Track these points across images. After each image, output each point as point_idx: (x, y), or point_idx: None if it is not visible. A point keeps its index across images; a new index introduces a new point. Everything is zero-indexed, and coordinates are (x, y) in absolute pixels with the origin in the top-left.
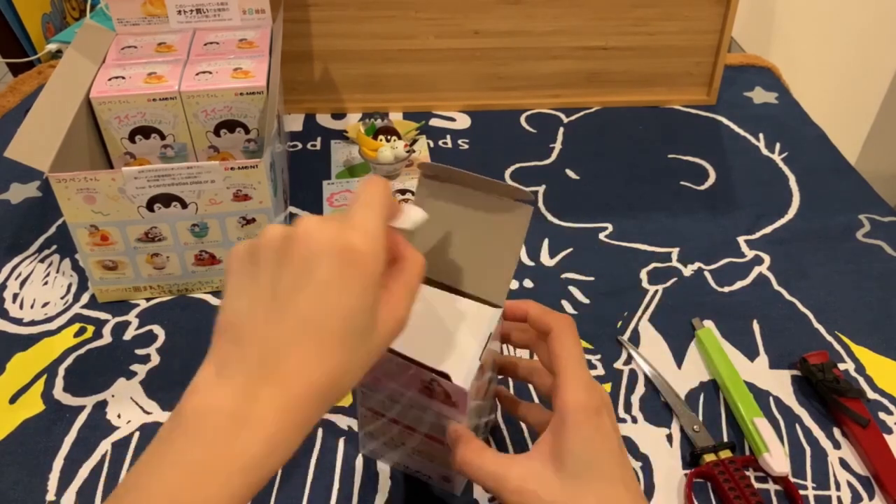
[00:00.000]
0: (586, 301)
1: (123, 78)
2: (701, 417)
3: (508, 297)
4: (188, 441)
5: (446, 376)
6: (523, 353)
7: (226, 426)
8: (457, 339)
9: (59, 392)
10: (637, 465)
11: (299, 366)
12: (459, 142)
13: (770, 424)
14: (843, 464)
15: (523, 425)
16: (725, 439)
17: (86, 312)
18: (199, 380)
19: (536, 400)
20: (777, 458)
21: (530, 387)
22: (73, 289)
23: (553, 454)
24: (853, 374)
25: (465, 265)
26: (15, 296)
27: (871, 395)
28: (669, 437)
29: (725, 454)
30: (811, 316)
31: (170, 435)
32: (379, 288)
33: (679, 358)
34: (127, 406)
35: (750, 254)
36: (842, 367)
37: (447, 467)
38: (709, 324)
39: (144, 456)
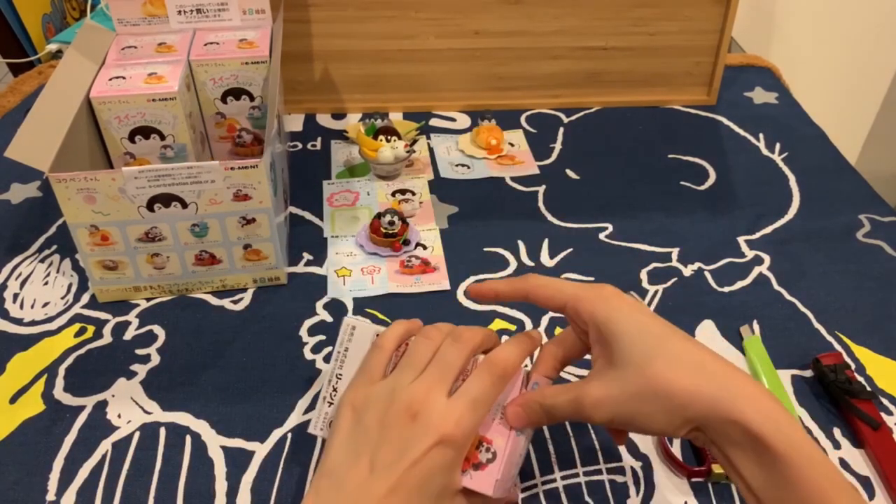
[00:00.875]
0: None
1: (124, 78)
2: None
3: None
4: None
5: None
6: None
7: None
8: None
9: (59, 392)
10: (637, 464)
11: None
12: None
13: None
14: (844, 464)
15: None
16: None
17: (86, 312)
18: None
19: None
20: None
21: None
22: (74, 289)
23: (608, 357)
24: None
25: None
26: (15, 296)
27: None
28: (670, 437)
29: None
30: (811, 316)
31: None
32: (458, 471)
33: None
34: (127, 406)
35: (750, 254)
36: None
37: None
38: (755, 331)
39: None
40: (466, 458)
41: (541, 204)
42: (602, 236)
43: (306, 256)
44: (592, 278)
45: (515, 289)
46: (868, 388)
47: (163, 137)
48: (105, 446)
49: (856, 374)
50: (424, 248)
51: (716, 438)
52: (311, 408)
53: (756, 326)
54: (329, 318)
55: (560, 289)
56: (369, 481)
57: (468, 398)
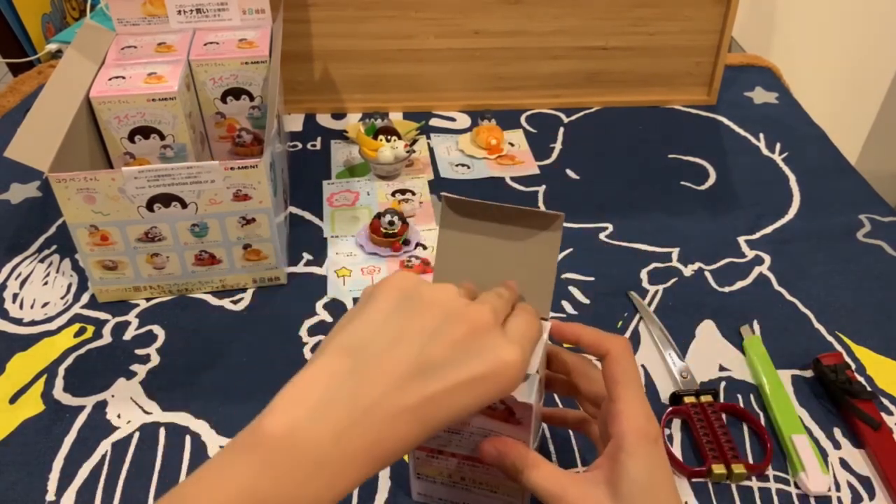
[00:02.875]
0: (586, 301)
1: (123, 78)
2: None
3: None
4: (258, 468)
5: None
6: None
7: (306, 470)
8: None
9: (59, 392)
10: None
11: (395, 441)
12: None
13: (810, 442)
14: (844, 464)
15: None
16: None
17: (86, 312)
18: (293, 397)
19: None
20: (814, 478)
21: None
22: (73, 289)
23: (609, 480)
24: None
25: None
26: (15, 296)
27: None
28: (670, 438)
29: (706, 399)
30: (811, 316)
31: (241, 449)
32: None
33: (679, 357)
34: (127, 406)
35: (750, 254)
36: None
37: (511, 495)
38: (756, 331)
39: (206, 465)
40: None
41: (541, 204)
42: (602, 236)
43: (306, 256)
44: (592, 278)
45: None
46: (868, 389)
47: (162, 137)
48: (105, 446)
49: (856, 375)
50: (424, 248)
51: None
52: None
53: (756, 326)
54: (329, 318)
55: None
56: (412, 375)
57: (520, 335)
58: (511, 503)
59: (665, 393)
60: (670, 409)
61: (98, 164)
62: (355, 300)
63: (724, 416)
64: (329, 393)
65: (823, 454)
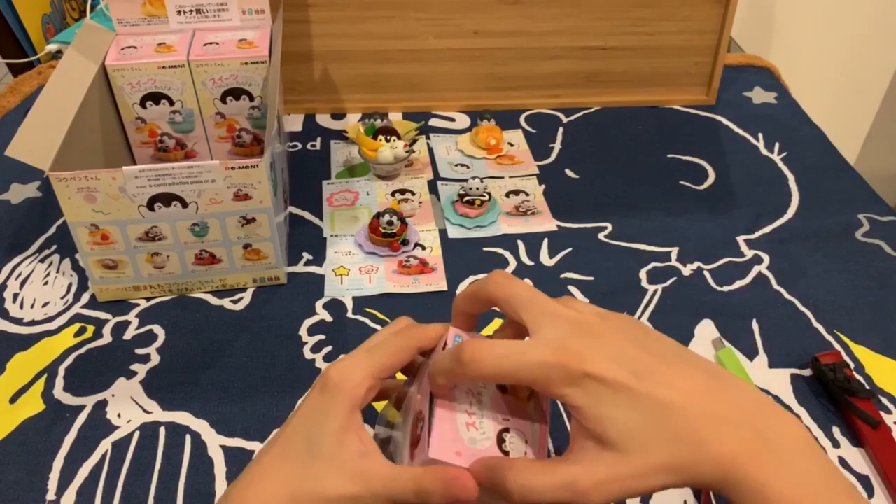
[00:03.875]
0: (586, 301)
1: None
2: None
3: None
4: None
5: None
6: None
7: None
8: None
9: (59, 392)
10: None
11: (265, 479)
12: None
13: None
14: (843, 463)
15: None
16: None
17: (86, 312)
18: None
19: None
20: None
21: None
22: (73, 289)
23: (597, 439)
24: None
25: None
26: (15, 296)
27: None
28: None
29: None
30: (810, 315)
31: None
32: (350, 417)
33: None
34: (127, 406)
35: (749, 253)
36: None
37: None
38: (729, 345)
39: None
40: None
41: (541, 203)
42: (601, 236)
43: (306, 256)
44: (592, 278)
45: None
46: (867, 387)
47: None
48: (105, 446)
49: (854, 373)
50: (423, 248)
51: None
52: None
53: (756, 326)
54: (329, 318)
55: (526, 354)
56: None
57: (363, 349)
58: None
59: None
60: None
61: (111, 132)
62: (354, 299)
63: None
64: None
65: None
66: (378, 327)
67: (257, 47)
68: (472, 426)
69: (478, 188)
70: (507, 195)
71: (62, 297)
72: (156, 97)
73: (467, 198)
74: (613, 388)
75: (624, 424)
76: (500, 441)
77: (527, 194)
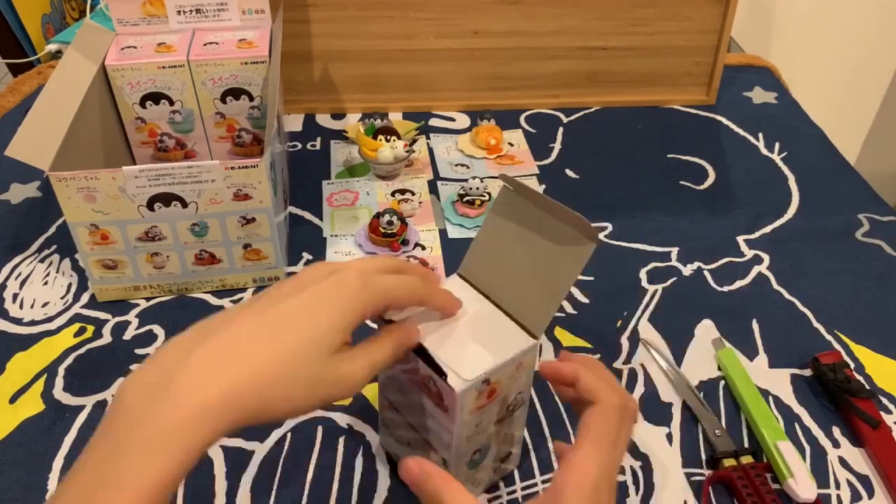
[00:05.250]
0: (586, 301)
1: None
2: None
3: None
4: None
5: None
6: None
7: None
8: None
9: (59, 392)
10: (637, 464)
11: (245, 358)
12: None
13: (795, 447)
14: (843, 462)
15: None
16: (746, 444)
17: (86, 312)
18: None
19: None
20: (802, 484)
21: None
22: (73, 289)
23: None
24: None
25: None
26: (15, 296)
27: None
28: (669, 436)
29: (746, 460)
30: (810, 315)
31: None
32: (354, 322)
33: (679, 357)
34: None
35: (749, 253)
36: None
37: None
38: (729, 346)
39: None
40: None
41: None
42: (601, 236)
43: (306, 256)
44: (592, 278)
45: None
46: (867, 387)
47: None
48: None
49: (855, 373)
50: (423, 248)
51: None
52: None
53: (756, 326)
54: None
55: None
56: (246, 317)
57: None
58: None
59: (689, 459)
60: (710, 473)
61: (111, 132)
62: None
63: (768, 477)
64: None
65: (822, 452)
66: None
67: (257, 47)
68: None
69: (478, 188)
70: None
71: (62, 297)
72: (156, 97)
73: (467, 198)
74: None
75: None
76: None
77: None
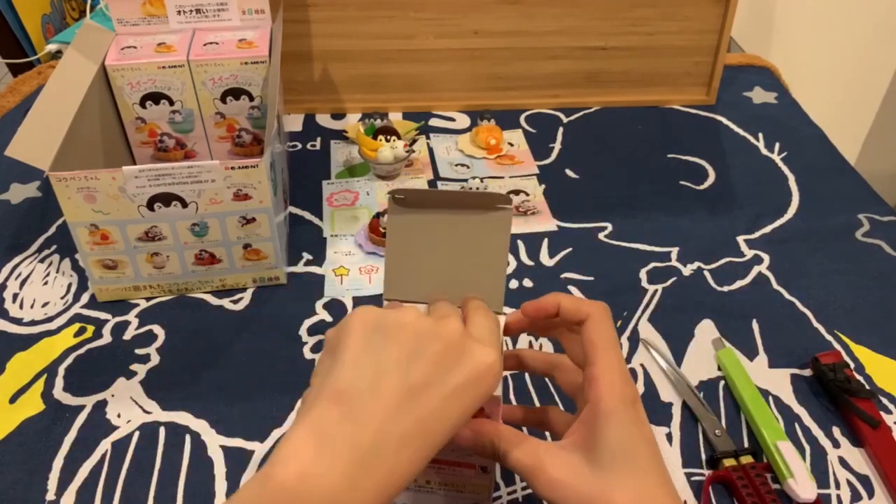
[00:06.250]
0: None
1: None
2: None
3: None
4: None
5: None
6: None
7: None
8: None
9: (59, 392)
10: None
11: (405, 468)
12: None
13: (795, 447)
14: (843, 462)
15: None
16: (746, 444)
17: (86, 312)
18: (296, 447)
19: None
20: (802, 484)
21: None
22: (73, 289)
23: (587, 446)
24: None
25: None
26: (15, 296)
27: None
28: (669, 436)
29: (746, 460)
30: (810, 315)
31: (253, 502)
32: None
33: (679, 357)
34: (127, 406)
35: (749, 253)
36: None
37: (478, 493)
38: (729, 346)
39: None
40: None
41: (541, 203)
42: (601, 236)
43: (306, 256)
44: (592, 278)
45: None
46: (867, 387)
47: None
48: (105, 446)
49: (855, 373)
50: None
51: None
52: None
53: (755, 326)
54: (329, 318)
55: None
56: (403, 403)
57: (487, 333)
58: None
59: (689, 458)
60: (710, 473)
61: (111, 132)
62: (354, 299)
63: (768, 477)
64: (329, 440)
65: (822, 452)
66: None
67: (257, 47)
68: None
69: (477, 188)
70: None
71: (62, 297)
72: (156, 97)
73: None
74: (633, 423)
75: (611, 458)
76: None
77: (527, 194)
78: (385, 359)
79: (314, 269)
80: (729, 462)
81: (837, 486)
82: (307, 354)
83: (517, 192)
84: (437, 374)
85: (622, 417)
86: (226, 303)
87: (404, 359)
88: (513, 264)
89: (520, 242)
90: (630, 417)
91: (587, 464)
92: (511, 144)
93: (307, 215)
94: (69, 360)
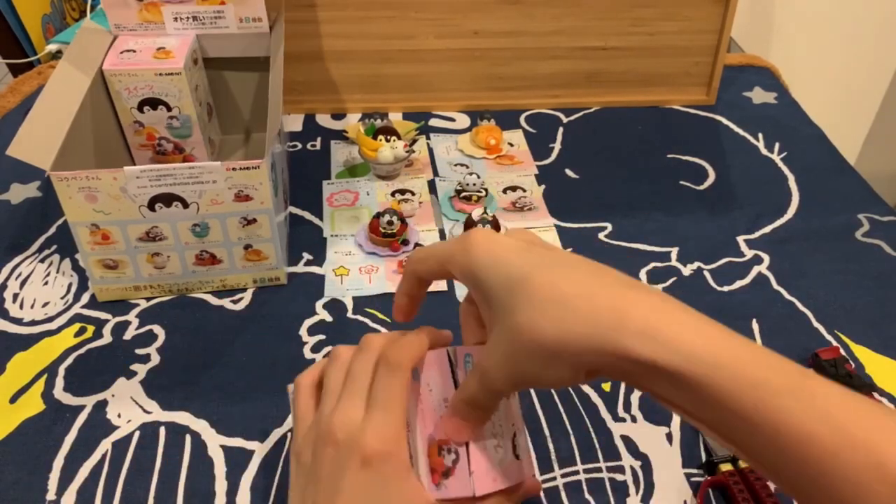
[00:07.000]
0: None
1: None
2: None
3: None
4: None
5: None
6: None
7: None
8: None
9: (59, 392)
10: (637, 464)
11: None
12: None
13: None
14: None
15: None
16: None
17: (86, 312)
18: None
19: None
20: None
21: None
22: (74, 289)
23: (489, 319)
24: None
25: None
26: (15, 296)
27: None
28: (669, 436)
29: (745, 464)
30: (810, 315)
31: None
32: (403, 479)
33: None
34: (127, 406)
35: (749, 253)
36: None
37: None
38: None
39: None
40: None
41: (541, 204)
42: (601, 236)
43: (306, 256)
44: None
45: (410, 282)
46: (867, 382)
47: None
48: (105, 446)
49: (855, 369)
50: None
51: (620, 377)
52: None
53: (755, 325)
54: (329, 318)
55: (432, 254)
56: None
57: (377, 405)
58: None
59: (689, 458)
60: (707, 478)
61: (111, 132)
62: (354, 299)
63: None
64: None
65: None
66: (378, 327)
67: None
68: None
69: (474, 184)
70: (505, 191)
71: (62, 297)
72: (153, 102)
73: (464, 194)
74: (494, 251)
75: (496, 297)
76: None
77: (524, 190)
78: (303, 488)
79: (314, 269)
80: (726, 467)
81: None
82: (307, 354)
83: (514, 188)
84: (331, 488)
85: (481, 256)
86: (226, 303)
87: (312, 483)
88: None
89: None
90: (488, 250)
91: (493, 331)
92: (511, 144)
93: (307, 215)
94: (69, 360)
